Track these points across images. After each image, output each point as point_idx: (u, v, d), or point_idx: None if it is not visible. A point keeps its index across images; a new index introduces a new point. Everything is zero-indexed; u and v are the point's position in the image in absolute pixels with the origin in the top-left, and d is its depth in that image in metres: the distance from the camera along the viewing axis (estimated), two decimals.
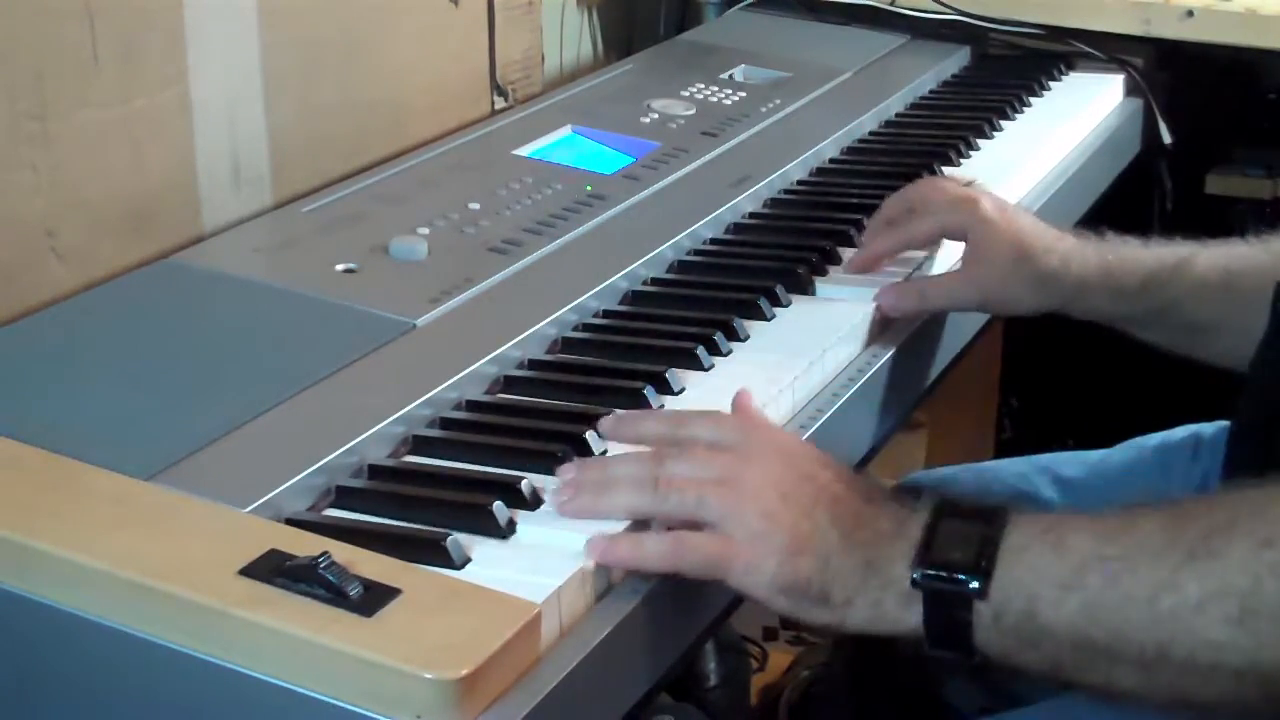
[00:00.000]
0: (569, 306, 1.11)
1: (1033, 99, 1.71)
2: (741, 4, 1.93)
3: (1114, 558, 0.79)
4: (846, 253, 1.26)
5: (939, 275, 1.24)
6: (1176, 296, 1.17)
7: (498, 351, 1.04)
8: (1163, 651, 0.77)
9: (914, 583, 0.81)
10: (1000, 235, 1.18)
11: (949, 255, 1.27)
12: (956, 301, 1.21)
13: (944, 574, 0.81)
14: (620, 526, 0.86)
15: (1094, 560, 0.79)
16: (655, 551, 0.84)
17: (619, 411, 0.95)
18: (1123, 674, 0.79)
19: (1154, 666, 0.78)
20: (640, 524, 0.87)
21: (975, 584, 0.80)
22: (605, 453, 0.94)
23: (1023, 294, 1.19)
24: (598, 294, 1.15)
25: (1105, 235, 1.21)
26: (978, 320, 1.33)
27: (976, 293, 1.20)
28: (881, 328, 1.17)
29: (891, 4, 1.85)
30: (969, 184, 1.29)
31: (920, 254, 1.25)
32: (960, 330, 1.29)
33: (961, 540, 0.81)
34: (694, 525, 0.85)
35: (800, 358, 1.07)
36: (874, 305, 1.16)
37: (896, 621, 0.83)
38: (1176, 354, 1.21)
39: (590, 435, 0.94)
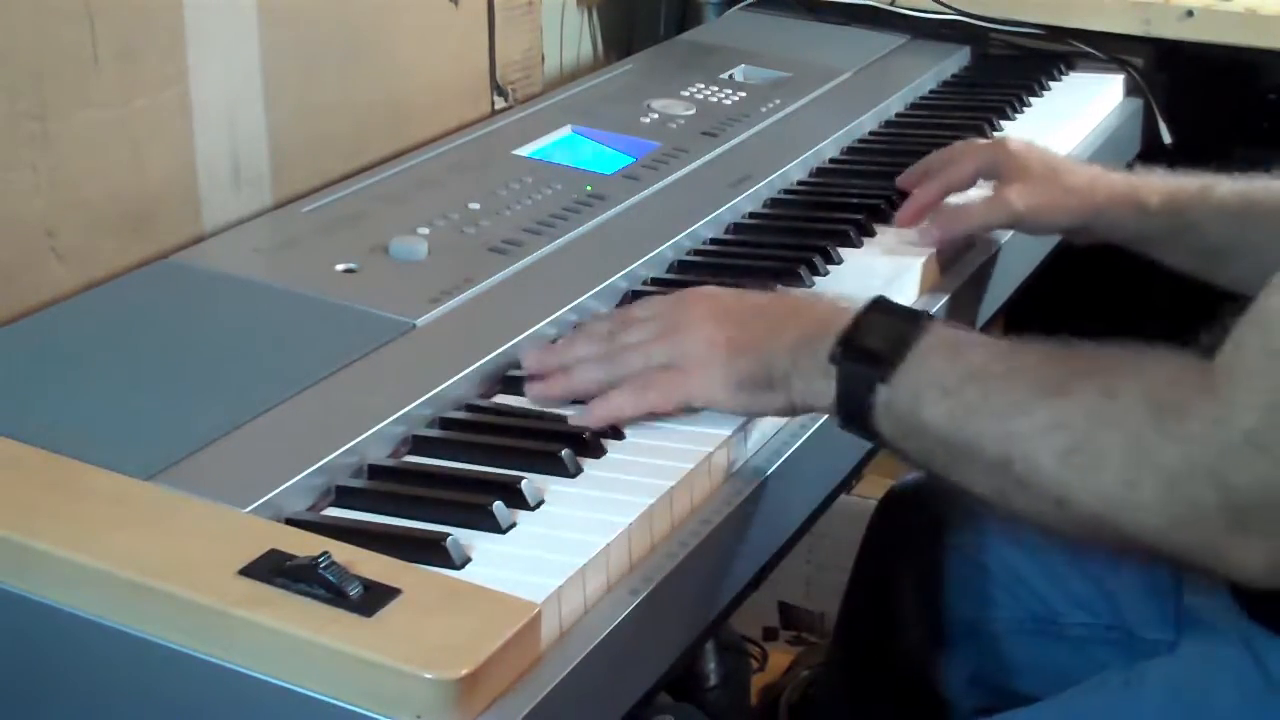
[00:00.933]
0: (569, 306, 1.11)
1: (1033, 99, 1.72)
2: (741, 4, 1.93)
3: (993, 375, 0.87)
4: (847, 253, 1.26)
5: (974, 200, 1.30)
6: (1196, 219, 1.22)
7: (498, 351, 1.04)
8: (1006, 463, 0.85)
9: (832, 359, 0.92)
10: (1030, 159, 1.28)
11: None
12: (993, 219, 1.29)
13: (858, 358, 0.91)
14: (628, 517, 0.86)
15: (977, 375, 0.87)
16: (623, 400, 0.96)
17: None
18: (977, 477, 0.88)
19: (999, 477, 0.86)
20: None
21: (879, 371, 0.90)
22: (605, 452, 0.94)
23: (1053, 209, 1.26)
24: (598, 294, 1.15)
25: (1132, 167, 1.29)
26: (980, 320, 1.33)
27: (1009, 209, 1.26)
28: (919, 292, 1.18)
29: (891, 4, 1.85)
30: None
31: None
32: (992, 296, 1.32)
33: (883, 332, 0.91)
34: None
35: None
36: (920, 262, 1.21)
37: (820, 395, 0.93)
38: (1194, 279, 1.25)
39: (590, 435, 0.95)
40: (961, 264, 1.29)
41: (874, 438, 0.92)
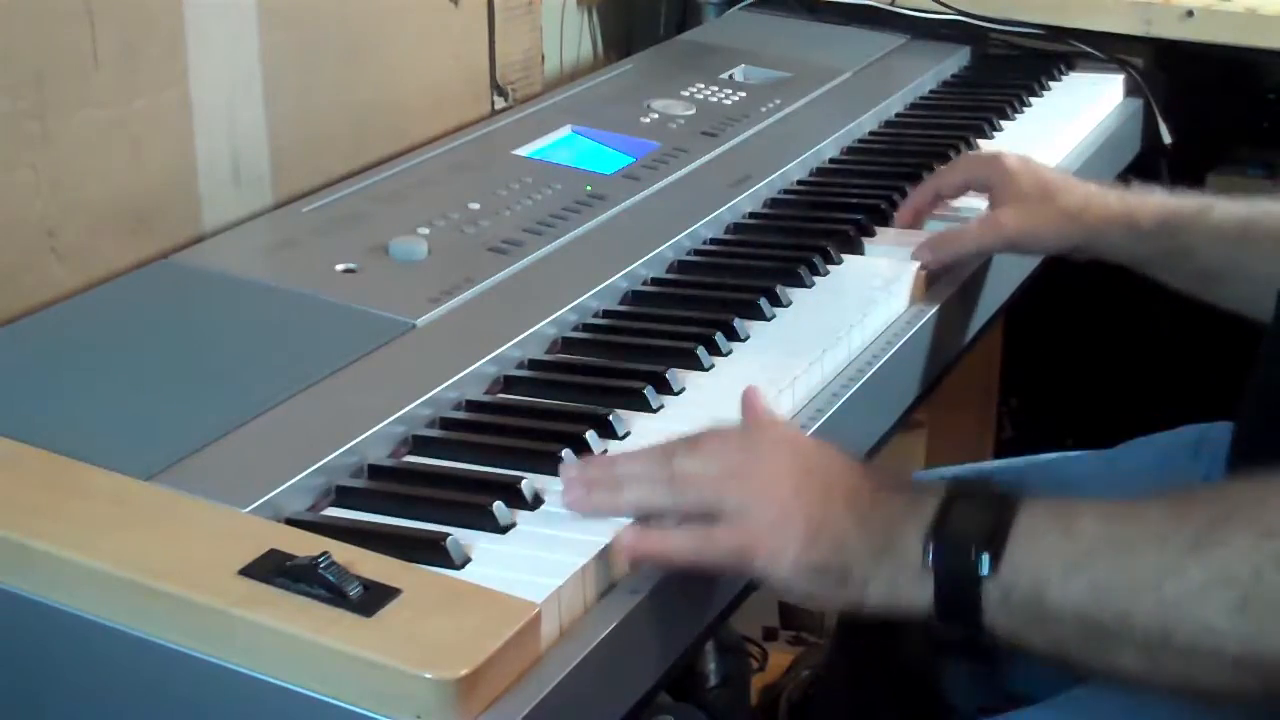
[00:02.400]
0: (569, 306, 1.11)
1: (1033, 99, 1.71)
2: (741, 4, 1.93)
3: (1122, 541, 0.80)
4: (846, 253, 1.26)
5: (968, 224, 1.29)
6: (1192, 241, 1.20)
7: (498, 351, 1.04)
8: (1166, 636, 0.78)
9: (927, 560, 0.83)
10: (1024, 179, 1.26)
11: None
12: (986, 244, 1.27)
13: (956, 552, 0.82)
14: (618, 526, 0.86)
15: (1101, 543, 0.80)
16: (682, 544, 0.86)
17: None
18: (1126, 657, 0.80)
19: (1157, 650, 0.78)
20: (639, 521, 0.87)
21: (985, 562, 0.81)
22: (605, 451, 0.94)
23: (1046, 231, 1.24)
24: (598, 294, 1.15)
25: (1130, 184, 1.26)
26: (979, 320, 1.33)
27: (1003, 232, 1.25)
28: (908, 303, 1.18)
29: (891, 4, 1.85)
30: None
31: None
32: (960, 331, 1.29)
33: (974, 521, 0.83)
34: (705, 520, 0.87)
35: (800, 358, 1.07)
36: (879, 299, 1.17)
37: (911, 599, 0.84)
38: (1193, 299, 1.24)
39: (590, 435, 0.95)
40: (955, 271, 1.28)
41: (983, 633, 0.83)
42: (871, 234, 1.30)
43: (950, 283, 1.26)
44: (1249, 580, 0.76)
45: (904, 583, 0.84)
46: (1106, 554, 0.80)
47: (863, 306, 1.16)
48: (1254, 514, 0.78)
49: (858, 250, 1.28)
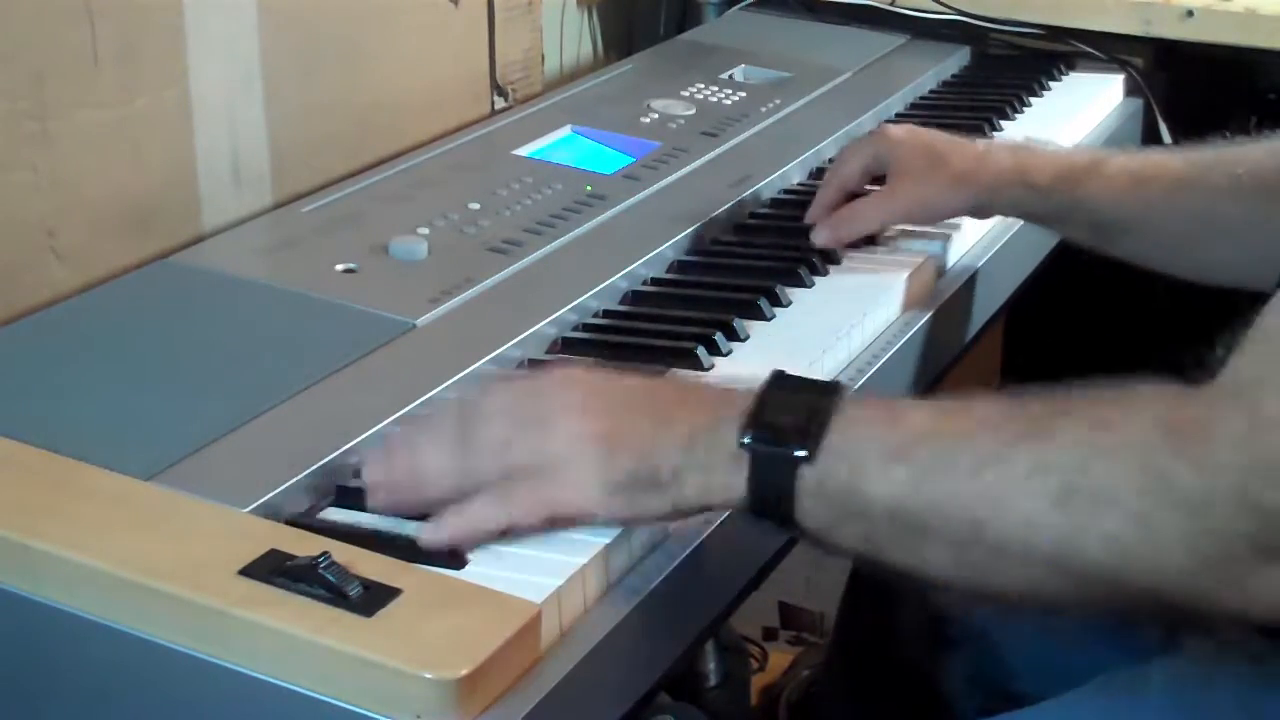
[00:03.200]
0: (569, 306, 1.11)
1: (1033, 99, 1.71)
2: (741, 4, 1.93)
3: (948, 433, 0.77)
4: (846, 253, 1.26)
5: (863, 200, 1.29)
6: (1085, 196, 1.21)
7: (498, 351, 1.04)
8: (978, 528, 0.75)
9: (741, 445, 0.79)
10: (912, 148, 1.27)
11: (969, 232, 1.32)
12: (884, 216, 1.28)
13: (771, 437, 0.79)
14: (605, 538, 0.85)
15: (928, 434, 0.77)
16: (484, 513, 0.82)
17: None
18: (934, 553, 0.77)
19: (966, 545, 0.76)
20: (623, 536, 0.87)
21: (803, 449, 0.78)
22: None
23: (942, 196, 1.25)
24: (598, 294, 1.15)
25: (1027, 140, 1.29)
26: (978, 320, 1.34)
27: (899, 203, 1.26)
28: (902, 309, 1.18)
29: (891, 4, 1.85)
30: None
31: (936, 230, 1.30)
32: (960, 330, 1.30)
33: (793, 407, 0.79)
34: None
35: (800, 358, 1.07)
36: (878, 300, 1.17)
37: (725, 488, 0.80)
38: (1092, 251, 1.26)
39: None
40: (948, 277, 1.28)
41: (793, 528, 0.80)
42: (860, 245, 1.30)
43: (949, 282, 1.26)
44: (1074, 470, 0.73)
45: (718, 473, 0.80)
46: (930, 443, 0.76)
47: (863, 306, 1.16)
48: (1088, 409, 0.75)
49: (857, 250, 1.27)
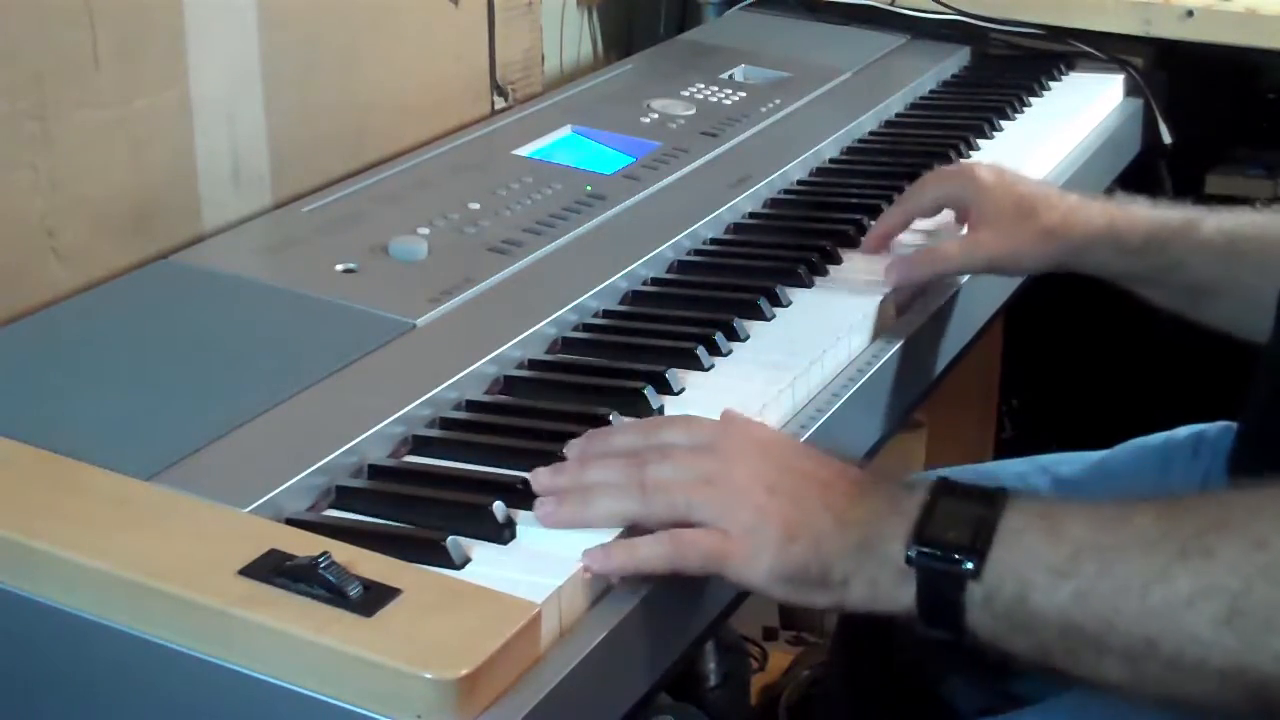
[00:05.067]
0: (569, 306, 1.11)
1: (1033, 99, 1.71)
2: (741, 4, 1.93)
3: (1109, 547, 0.78)
4: (846, 253, 1.26)
5: (946, 242, 1.25)
6: (1179, 256, 1.17)
7: (498, 351, 1.04)
8: (1151, 645, 0.76)
9: (909, 560, 0.81)
10: (1001, 196, 1.21)
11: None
12: (966, 264, 1.23)
13: (939, 552, 0.80)
14: (612, 535, 0.86)
15: (1089, 549, 0.78)
16: (651, 554, 0.84)
17: (589, 431, 0.93)
18: (1110, 665, 0.78)
19: (1141, 660, 0.77)
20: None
21: (969, 564, 0.79)
22: None
23: (1028, 250, 1.20)
24: (598, 294, 1.15)
25: (1115, 195, 1.22)
26: (978, 319, 1.33)
27: (984, 253, 1.21)
28: (883, 327, 1.17)
29: (891, 4, 1.85)
30: None
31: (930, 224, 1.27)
32: (960, 330, 1.29)
33: (958, 520, 0.81)
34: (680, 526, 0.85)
35: (800, 358, 1.07)
36: (878, 300, 1.17)
37: (892, 600, 0.82)
38: (1182, 317, 1.22)
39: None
40: (928, 297, 1.24)
41: (966, 636, 0.81)
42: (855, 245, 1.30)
43: (948, 284, 1.26)
44: (1238, 592, 0.74)
45: (885, 582, 0.82)
46: (1093, 560, 0.78)
47: (863, 307, 1.16)
48: (1246, 524, 0.76)
49: (857, 250, 1.27)
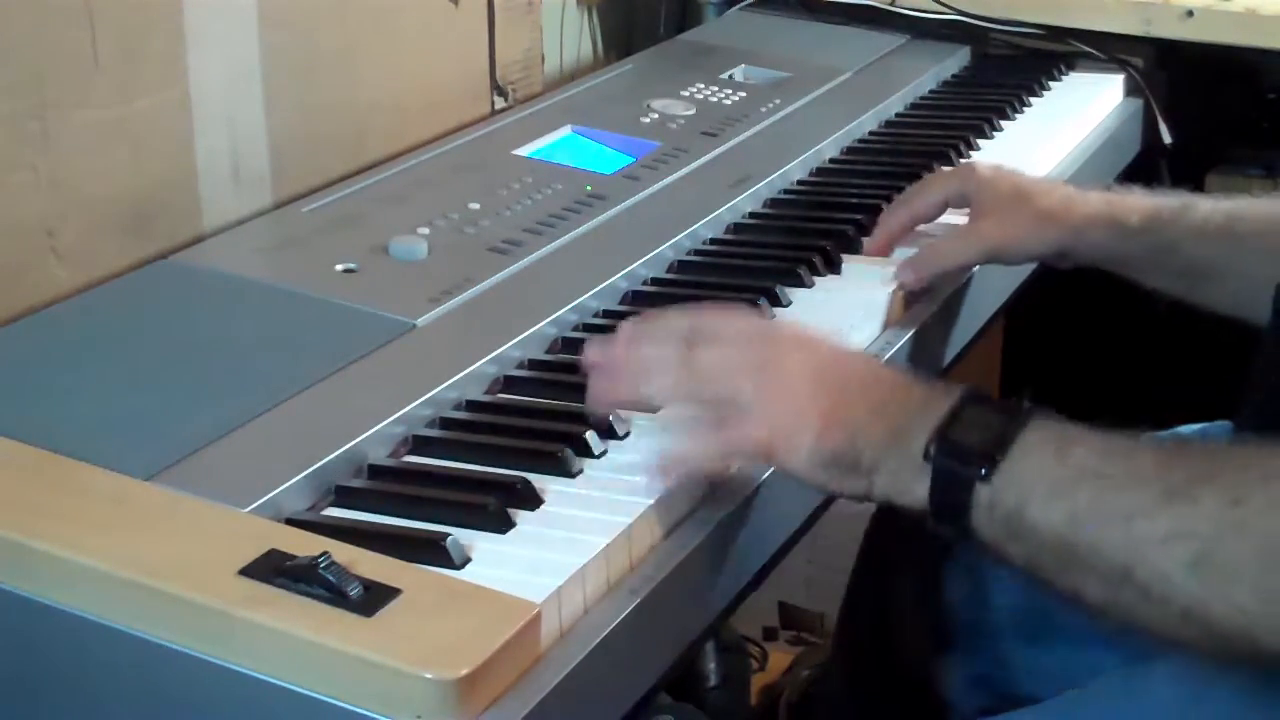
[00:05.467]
0: (569, 306, 1.11)
1: (1033, 99, 1.71)
2: (741, 4, 1.93)
3: (1107, 476, 0.81)
4: (846, 253, 1.26)
5: (946, 237, 1.26)
6: (1177, 238, 1.19)
7: (498, 351, 1.04)
8: (1127, 572, 0.79)
9: (927, 456, 0.85)
10: (999, 186, 1.23)
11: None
12: (968, 256, 1.24)
13: (956, 454, 0.84)
14: (628, 517, 0.86)
15: (1090, 475, 0.81)
16: (702, 449, 0.90)
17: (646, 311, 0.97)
18: (1092, 585, 0.82)
19: (1118, 585, 0.80)
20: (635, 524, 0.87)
21: (981, 470, 0.83)
22: (605, 453, 0.94)
23: (1027, 236, 1.22)
24: (598, 294, 1.15)
25: (1110, 186, 1.24)
26: (978, 319, 1.33)
27: (984, 243, 1.23)
28: (883, 327, 1.17)
29: (891, 4, 1.85)
30: None
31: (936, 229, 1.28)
32: (961, 330, 1.29)
33: (981, 427, 0.84)
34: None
35: None
36: (886, 295, 1.17)
37: (909, 492, 0.86)
38: (1181, 301, 1.23)
39: (590, 436, 0.94)
40: (935, 290, 1.24)
41: (969, 538, 0.85)
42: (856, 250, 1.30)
43: (948, 284, 1.26)
44: (1208, 539, 0.77)
45: (905, 475, 0.86)
46: (1090, 486, 0.81)
47: (863, 307, 1.16)
48: (1230, 479, 0.78)
49: (857, 250, 1.27)
